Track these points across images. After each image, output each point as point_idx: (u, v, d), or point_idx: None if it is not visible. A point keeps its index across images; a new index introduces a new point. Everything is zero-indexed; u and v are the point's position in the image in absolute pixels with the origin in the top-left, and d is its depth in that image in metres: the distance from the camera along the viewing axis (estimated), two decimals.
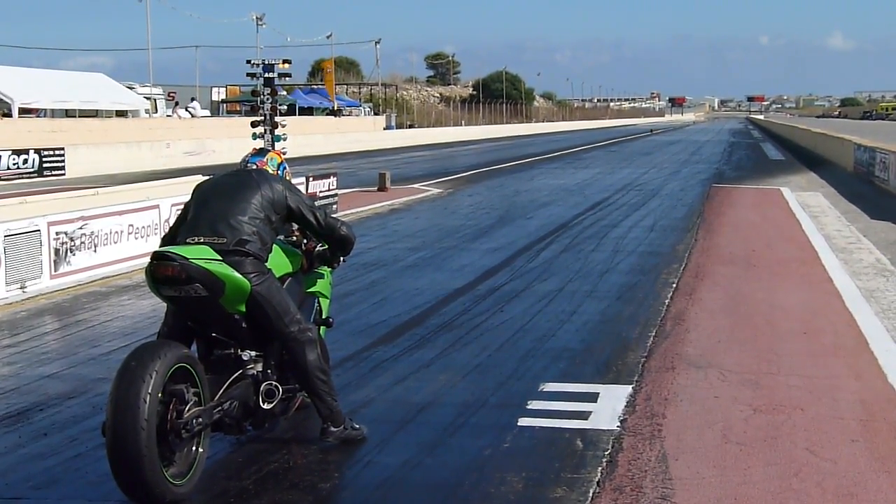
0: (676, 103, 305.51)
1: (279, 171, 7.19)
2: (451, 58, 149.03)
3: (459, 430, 7.32)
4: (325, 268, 7.58)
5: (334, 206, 22.26)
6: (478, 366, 9.13)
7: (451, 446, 6.99)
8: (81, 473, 6.56)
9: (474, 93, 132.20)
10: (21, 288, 12.80)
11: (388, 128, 78.52)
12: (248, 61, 23.45)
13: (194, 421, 5.98)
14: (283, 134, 23.14)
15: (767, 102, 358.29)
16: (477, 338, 10.24)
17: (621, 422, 7.43)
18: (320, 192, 21.61)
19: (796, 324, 10.79)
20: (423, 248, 16.96)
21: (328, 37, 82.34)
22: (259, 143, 22.85)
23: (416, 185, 30.78)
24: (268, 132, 22.83)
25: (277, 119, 23.02)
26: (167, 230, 7.02)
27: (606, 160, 48.74)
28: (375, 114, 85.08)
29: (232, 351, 6.61)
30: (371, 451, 6.87)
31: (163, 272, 6.15)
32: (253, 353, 6.66)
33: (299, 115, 69.34)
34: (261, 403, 6.55)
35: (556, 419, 7.50)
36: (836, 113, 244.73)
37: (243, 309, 6.42)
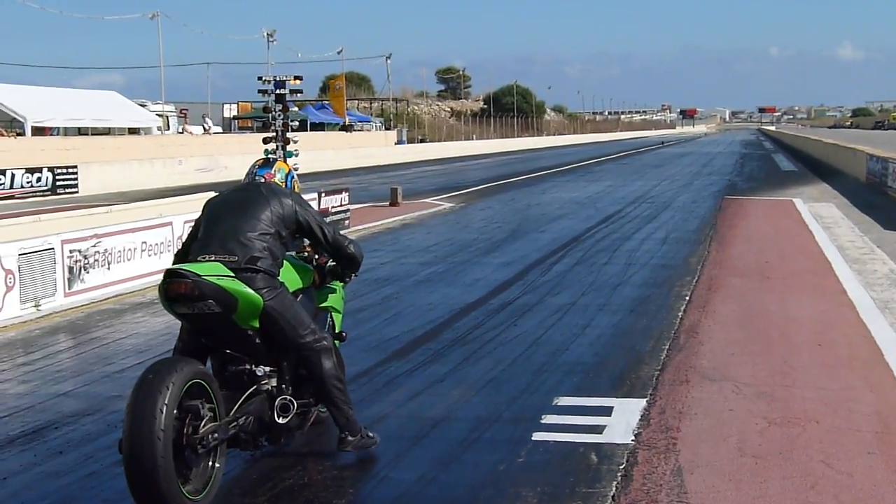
0: (687, 115, 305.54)
1: (287, 182, 7.22)
2: (461, 72, 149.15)
3: (474, 445, 7.31)
4: (338, 283, 7.61)
5: (346, 222, 22.28)
6: (491, 380, 9.12)
7: (466, 461, 6.98)
8: (97, 491, 6.56)
9: (485, 107, 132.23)
10: (35, 306, 12.84)
11: (399, 142, 78.65)
12: (260, 78, 23.55)
13: (210, 436, 6.00)
14: (295, 150, 23.18)
15: (779, 113, 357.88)
16: (490, 352, 10.23)
17: (636, 435, 7.41)
18: (332, 207, 21.66)
19: (810, 336, 10.76)
20: (436, 262, 16.96)
21: (339, 52, 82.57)
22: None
23: (428, 200, 30.79)
24: (280, 148, 22.88)
25: (289, 135, 23.09)
26: (179, 247, 7.05)
27: (618, 173, 48.73)
28: (387, 129, 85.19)
29: (246, 367, 6.61)
30: (386, 467, 6.87)
31: (176, 290, 6.17)
32: (267, 369, 6.66)
33: (311, 130, 69.44)
34: (276, 418, 6.57)
35: (570, 433, 7.49)
36: (848, 123, 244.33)
37: (256, 324, 6.44)
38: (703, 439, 7.31)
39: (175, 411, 5.73)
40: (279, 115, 23.00)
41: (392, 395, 8.68)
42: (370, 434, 7.03)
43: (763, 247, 18.40)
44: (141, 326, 12.20)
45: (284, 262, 6.78)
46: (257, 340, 6.53)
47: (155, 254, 15.37)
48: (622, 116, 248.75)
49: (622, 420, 7.79)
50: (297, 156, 23.16)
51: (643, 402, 8.27)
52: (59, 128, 51.21)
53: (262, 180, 7.07)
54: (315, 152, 50.66)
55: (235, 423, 6.32)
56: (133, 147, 47.53)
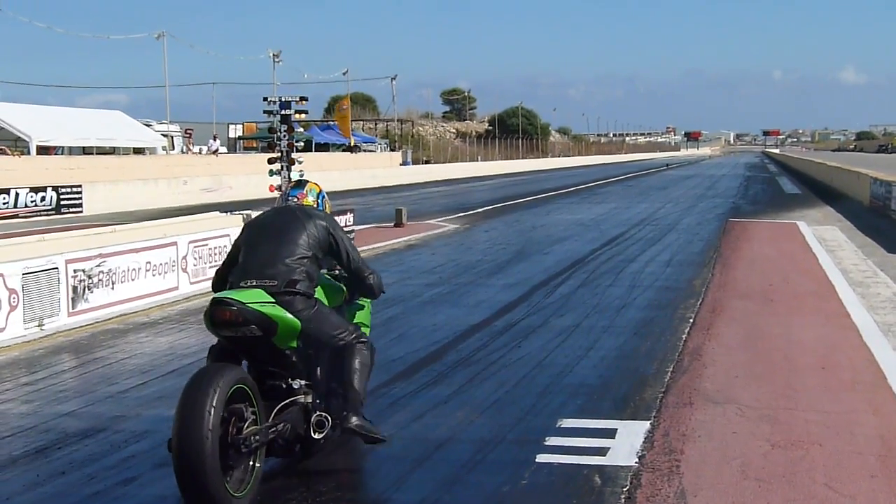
0: (692, 137, 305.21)
1: (318, 201, 7.74)
2: (466, 93, 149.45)
3: (477, 467, 7.30)
4: (366, 299, 7.96)
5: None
6: (495, 402, 9.12)
7: (469, 483, 6.98)
8: None
9: (490, 128, 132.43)
10: (39, 326, 12.85)
11: (404, 163, 78.79)
12: (265, 98, 23.61)
13: (252, 438, 6.40)
14: (300, 171, 23.21)
15: (783, 136, 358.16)
16: (494, 374, 10.23)
17: (639, 458, 7.41)
18: None
19: (814, 359, 10.75)
20: (440, 283, 16.97)
21: (344, 73, 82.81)
22: (276, 180, 22.97)
23: (432, 221, 30.82)
24: (284, 169, 22.93)
25: (294, 155, 23.15)
26: (219, 267, 7.53)
27: (623, 195, 48.75)
28: (391, 149, 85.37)
29: (282, 382, 6.94)
30: (388, 489, 6.87)
31: (221, 316, 6.60)
32: (303, 383, 6.99)
33: (316, 151, 69.70)
34: (312, 434, 6.91)
35: (574, 455, 7.49)
36: (852, 147, 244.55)
37: (294, 344, 6.87)
38: (707, 462, 7.30)
39: (222, 413, 6.11)
40: (284, 136, 23.06)
41: (396, 416, 8.68)
42: (378, 430, 7.15)
43: (767, 269, 18.41)
44: (145, 346, 12.20)
45: (319, 282, 7.15)
46: (294, 359, 6.92)
47: (159, 273, 15.40)
48: (627, 138, 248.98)
49: (626, 442, 7.79)
50: (302, 177, 23.20)
51: (647, 425, 8.27)
52: (63, 147, 51.33)
53: (295, 200, 7.59)
54: (320, 173, 50.61)
55: (275, 428, 6.67)
56: (138, 167, 47.66)
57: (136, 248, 15.13)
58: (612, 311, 13.93)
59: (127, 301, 14.56)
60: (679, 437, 7.93)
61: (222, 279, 7.27)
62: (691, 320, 13.02)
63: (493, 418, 8.57)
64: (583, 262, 20.00)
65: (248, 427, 6.38)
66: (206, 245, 16.63)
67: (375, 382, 9.70)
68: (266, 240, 7.04)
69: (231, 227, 17.84)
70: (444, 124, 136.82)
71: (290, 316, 6.69)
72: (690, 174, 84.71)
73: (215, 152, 60.62)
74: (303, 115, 25.10)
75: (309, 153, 57.92)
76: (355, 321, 7.74)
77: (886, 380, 9.73)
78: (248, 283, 6.80)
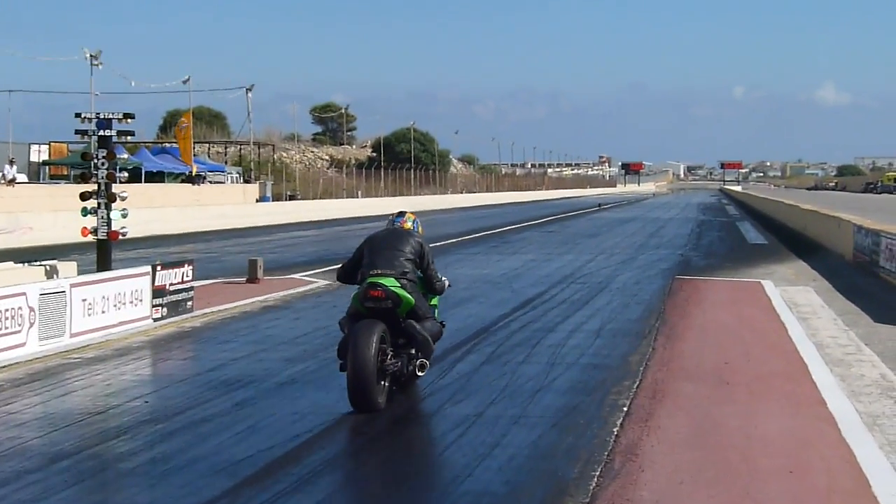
0: (632, 170, 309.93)
1: (415, 226, 14.22)
2: (343, 110, 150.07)
3: None
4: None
5: (189, 304, 21.93)
6: None
7: None
8: None
9: (374, 155, 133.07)
10: None
11: (262, 199, 78.65)
12: (79, 115, 23.21)
13: (389, 367, 12.80)
14: (124, 209, 22.83)
15: (746, 170, 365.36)
16: (372, 480, 10.18)
17: None
18: (170, 284, 21.24)
19: (780, 460, 10.87)
20: (305, 358, 16.85)
21: (185, 81, 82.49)
22: (92, 221, 22.61)
23: (296, 276, 30.70)
24: (102, 206, 22.52)
25: (115, 188, 22.71)
26: (345, 263, 14.30)
27: (542, 243, 49.11)
28: (246, 181, 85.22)
29: (394, 337, 13.16)
30: None
31: (373, 293, 13.00)
32: (404, 341, 13.35)
33: (146, 181, 69.32)
34: (416, 372, 13.34)
35: None
36: (833, 184, 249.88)
37: (404, 314, 13.19)
38: None
39: (378, 347, 12.48)
40: (103, 164, 22.69)
41: None
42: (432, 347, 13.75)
43: (723, 342, 18.63)
44: None
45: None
46: (403, 324, 13.20)
47: None
48: (549, 170, 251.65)
49: None
50: (125, 217, 22.83)
51: None
52: None
53: (399, 225, 14.12)
54: (151, 210, 50.40)
55: (395, 365, 12.94)
56: None
57: None
58: (524, 397, 13.97)
59: None
60: None
61: (347, 272, 14.09)
62: (625, 408, 13.12)
63: None
64: (489, 330, 20.05)
65: (388, 361, 12.71)
66: None
67: (217, 490, 9.68)
68: (386, 247, 13.53)
69: (31, 283, 17.38)
70: (315, 149, 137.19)
71: (409, 296, 13.03)
72: (629, 217, 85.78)
73: (11, 182, 59.72)
74: (128, 137, 24.80)
75: (137, 184, 57.63)
76: (433, 303, 14.11)
77: (870, 487, 9.86)
78: (376, 272, 13.13)
